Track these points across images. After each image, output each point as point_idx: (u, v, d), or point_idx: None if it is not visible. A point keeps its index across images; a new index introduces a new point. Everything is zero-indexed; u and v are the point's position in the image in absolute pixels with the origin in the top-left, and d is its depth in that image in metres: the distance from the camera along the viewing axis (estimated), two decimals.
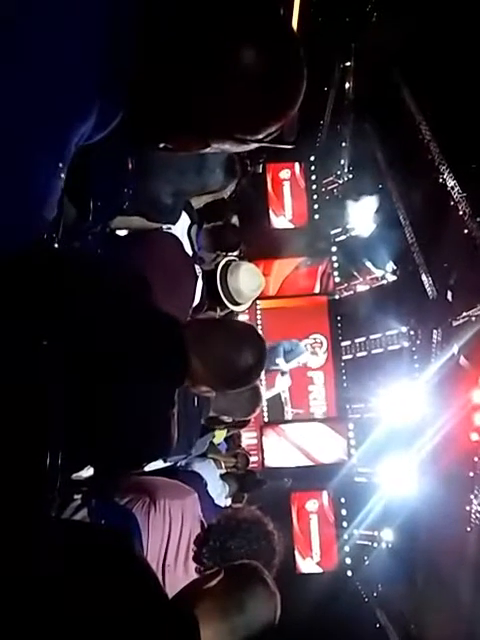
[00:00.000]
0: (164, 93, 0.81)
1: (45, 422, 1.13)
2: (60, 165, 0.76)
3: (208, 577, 1.22)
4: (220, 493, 2.78)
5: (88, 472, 1.63)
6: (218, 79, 0.79)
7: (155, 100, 0.81)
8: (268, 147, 0.90)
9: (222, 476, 2.99)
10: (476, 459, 5.60)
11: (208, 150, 0.90)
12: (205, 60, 0.78)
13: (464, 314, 5.67)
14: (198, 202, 2.54)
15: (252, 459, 4.78)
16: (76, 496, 1.69)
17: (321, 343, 7.19)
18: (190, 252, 2.45)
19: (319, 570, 6.89)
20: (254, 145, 0.88)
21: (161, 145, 0.91)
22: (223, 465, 3.29)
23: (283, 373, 6.19)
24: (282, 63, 0.80)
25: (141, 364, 1.23)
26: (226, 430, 3.18)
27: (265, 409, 6.86)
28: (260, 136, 0.85)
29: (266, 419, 7.00)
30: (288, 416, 7.00)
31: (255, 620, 1.19)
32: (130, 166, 1.81)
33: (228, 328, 1.45)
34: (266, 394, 6.31)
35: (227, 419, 2.27)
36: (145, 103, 0.82)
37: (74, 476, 1.56)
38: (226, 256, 2.72)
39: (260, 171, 6.90)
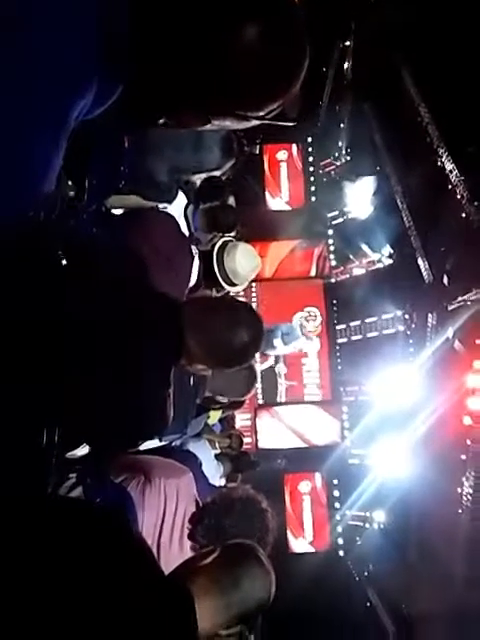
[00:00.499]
0: (165, 68, 0.80)
1: (42, 400, 1.13)
2: (60, 140, 0.75)
3: (204, 554, 1.23)
4: (214, 473, 2.80)
5: (83, 451, 1.64)
6: (221, 54, 0.78)
7: (156, 74, 0.81)
8: (269, 124, 0.90)
9: (216, 456, 3.00)
10: (468, 442, 5.65)
11: (208, 127, 0.89)
12: (208, 35, 0.77)
13: (460, 298, 5.68)
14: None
15: (246, 440, 4.81)
16: (71, 474, 1.70)
17: (315, 316, 7.20)
18: (186, 232, 2.43)
19: (311, 550, 6.98)
20: (255, 122, 0.88)
21: (161, 121, 0.90)
22: (217, 445, 3.30)
23: (277, 359, 6.18)
24: (285, 39, 0.80)
25: (137, 342, 1.23)
26: (221, 411, 3.19)
27: (259, 391, 6.88)
28: (262, 113, 0.85)
29: (260, 400, 7.02)
30: (281, 387, 6.99)
31: (250, 597, 1.20)
32: (126, 144, 1.79)
33: (224, 307, 1.45)
34: (261, 366, 6.27)
35: (222, 399, 2.28)
36: (146, 77, 0.81)
37: (69, 455, 1.57)
38: (222, 237, 2.71)
39: (257, 152, 6.84)
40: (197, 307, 1.40)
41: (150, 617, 1.07)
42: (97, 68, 0.74)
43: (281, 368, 6.89)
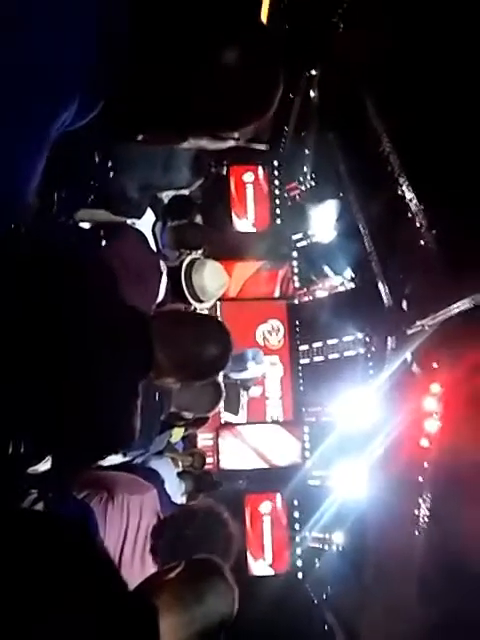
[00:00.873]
0: (147, 86, 0.82)
1: (8, 410, 1.12)
2: (42, 150, 0.77)
3: (168, 569, 1.23)
4: (176, 491, 2.79)
5: (44, 466, 1.61)
6: (202, 76, 0.81)
7: (138, 92, 0.83)
8: (242, 146, 0.93)
9: (179, 474, 2.99)
10: (425, 464, 5.73)
11: (185, 145, 0.92)
12: (189, 57, 0.81)
13: (418, 323, 5.80)
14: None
15: (208, 461, 4.77)
16: (32, 490, 1.67)
17: (278, 329, 7.25)
18: (154, 249, 2.45)
19: (271, 572, 6.93)
20: (231, 142, 0.91)
21: (139, 137, 0.92)
22: (180, 464, 3.29)
23: (247, 386, 6.14)
24: (263, 64, 0.84)
25: (106, 354, 1.23)
26: (184, 429, 3.18)
27: (222, 408, 6.83)
28: (237, 133, 0.88)
29: (223, 420, 7.00)
30: (243, 400, 6.92)
31: (213, 611, 1.20)
32: (97, 159, 1.80)
33: (193, 320, 1.47)
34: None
35: (188, 415, 2.28)
36: (128, 94, 0.83)
37: (30, 470, 1.55)
38: (190, 254, 2.73)
39: (224, 173, 6.93)
40: (166, 320, 1.42)
41: (113, 631, 1.06)
42: (83, 63, 0.75)
43: (254, 390, 6.82)
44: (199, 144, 0.92)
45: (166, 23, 0.80)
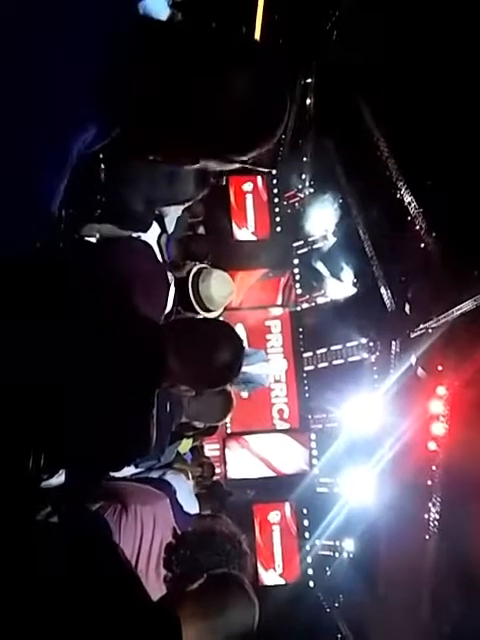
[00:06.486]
0: (163, 110, 0.85)
1: (30, 424, 1.13)
2: (65, 169, 0.79)
3: (190, 581, 1.24)
4: (189, 501, 2.78)
5: (58, 479, 1.62)
6: (212, 103, 0.84)
7: (153, 115, 0.85)
8: (250, 168, 0.96)
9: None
10: (433, 468, 5.72)
11: (195, 166, 0.94)
12: (199, 84, 0.83)
13: (421, 326, 5.82)
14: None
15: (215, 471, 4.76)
16: (46, 504, 1.67)
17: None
18: (160, 261, 2.46)
19: (281, 582, 6.89)
20: (236, 165, 0.94)
21: (151, 157, 0.94)
22: (190, 475, 3.27)
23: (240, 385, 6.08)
24: (271, 92, 0.87)
25: (120, 364, 1.24)
26: (192, 440, 3.18)
27: (228, 420, 6.83)
28: (245, 157, 0.91)
29: (229, 430, 6.99)
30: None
31: (234, 622, 1.21)
32: (102, 174, 1.82)
33: (204, 326, 1.48)
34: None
35: (199, 425, 2.28)
36: (143, 116, 0.85)
37: (44, 484, 1.55)
38: (195, 265, 2.75)
39: (223, 183, 6.96)
40: (178, 328, 1.43)
41: None
42: (99, 102, 0.78)
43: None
44: (208, 165, 0.94)
45: (177, 49, 0.83)
